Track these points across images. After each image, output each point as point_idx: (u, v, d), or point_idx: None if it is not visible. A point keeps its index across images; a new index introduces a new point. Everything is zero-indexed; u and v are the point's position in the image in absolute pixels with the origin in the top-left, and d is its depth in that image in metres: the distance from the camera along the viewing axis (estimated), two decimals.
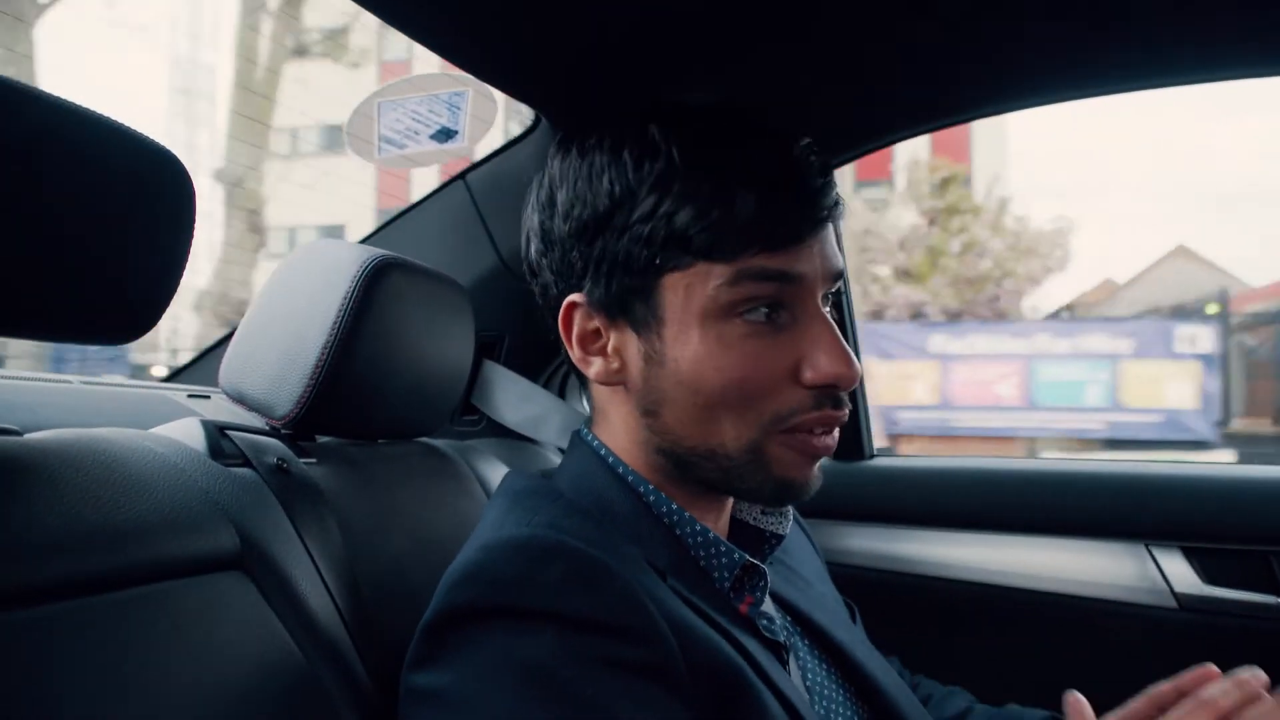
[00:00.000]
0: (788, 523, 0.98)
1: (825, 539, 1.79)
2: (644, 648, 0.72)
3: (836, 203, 0.87)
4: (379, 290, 1.03)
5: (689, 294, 0.83)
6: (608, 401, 0.93)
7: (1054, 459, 1.78)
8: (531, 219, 0.94)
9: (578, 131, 0.92)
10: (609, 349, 0.89)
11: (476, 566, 0.76)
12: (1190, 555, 1.58)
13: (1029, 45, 1.27)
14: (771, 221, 0.82)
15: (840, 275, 0.89)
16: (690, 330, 0.84)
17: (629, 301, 0.86)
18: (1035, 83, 1.39)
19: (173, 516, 0.79)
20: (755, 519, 0.98)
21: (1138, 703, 0.92)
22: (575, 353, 0.91)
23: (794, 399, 0.84)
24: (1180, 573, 1.57)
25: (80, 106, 0.68)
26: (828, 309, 0.88)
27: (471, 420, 1.66)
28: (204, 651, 0.75)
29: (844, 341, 0.85)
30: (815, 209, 0.84)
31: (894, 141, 1.56)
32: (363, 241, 1.54)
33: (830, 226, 0.87)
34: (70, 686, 0.64)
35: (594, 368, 0.90)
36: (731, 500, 0.97)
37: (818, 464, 0.88)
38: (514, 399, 1.54)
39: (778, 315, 0.84)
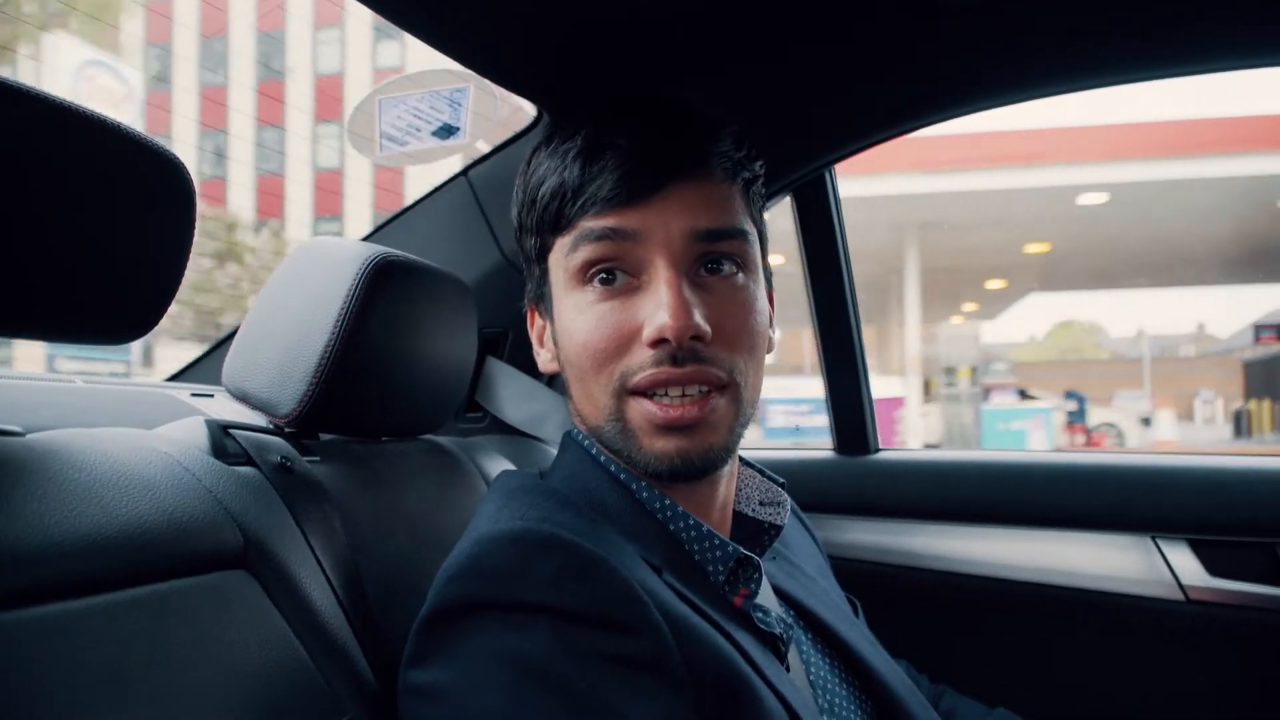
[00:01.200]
0: (785, 513, 0.98)
1: (829, 533, 1.80)
2: (639, 641, 0.72)
3: (687, 166, 0.86)
4: (382, 288, 1.03)
5: (555, 269, 0.89)
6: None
7: (1058, 452, 1.77)
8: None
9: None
10: (545, 339, 0.95)
11: (471, 560, 0.76)
12: (1196, 547, 1.57)
13: (1035, 38, 1.27)
14: (592, 185, 0.86)
15: (711, 234, 0.86)
16: (561, 302, 0.89)
17: (541, 289, 0.92)
18: (1036, 75, 1.39)
19: (177, 516, 0.79)
20: (754, 511, 0.99)
21: None
22: (535, 348, 0.97)
23: (636, 359, 0.84)
24: (1186, 565, 1.57)
25: (83, 109, 0.68)
26: (752, 277, 0.89)
27: (475, 417, 1.66)
28: (208, 650, 0.75)
29: (684, 297, 0.83)
30: (649, 168, 0.85)
31: (891, 137, 1.55)
32: (365, 239, 1.54)
33: (692, 183, 0.86)
34: (76, 686, 0.64)
35: (541, 359, 0.96)
36: (721, 495, 0.96)
37: (685, 437, 0.85)
38: (517, 396, 1.54)
39: (620, 278, 0.86)
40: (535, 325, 0.96)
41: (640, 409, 0.85)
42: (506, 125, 1.47)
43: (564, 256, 0.86)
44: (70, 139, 0.68)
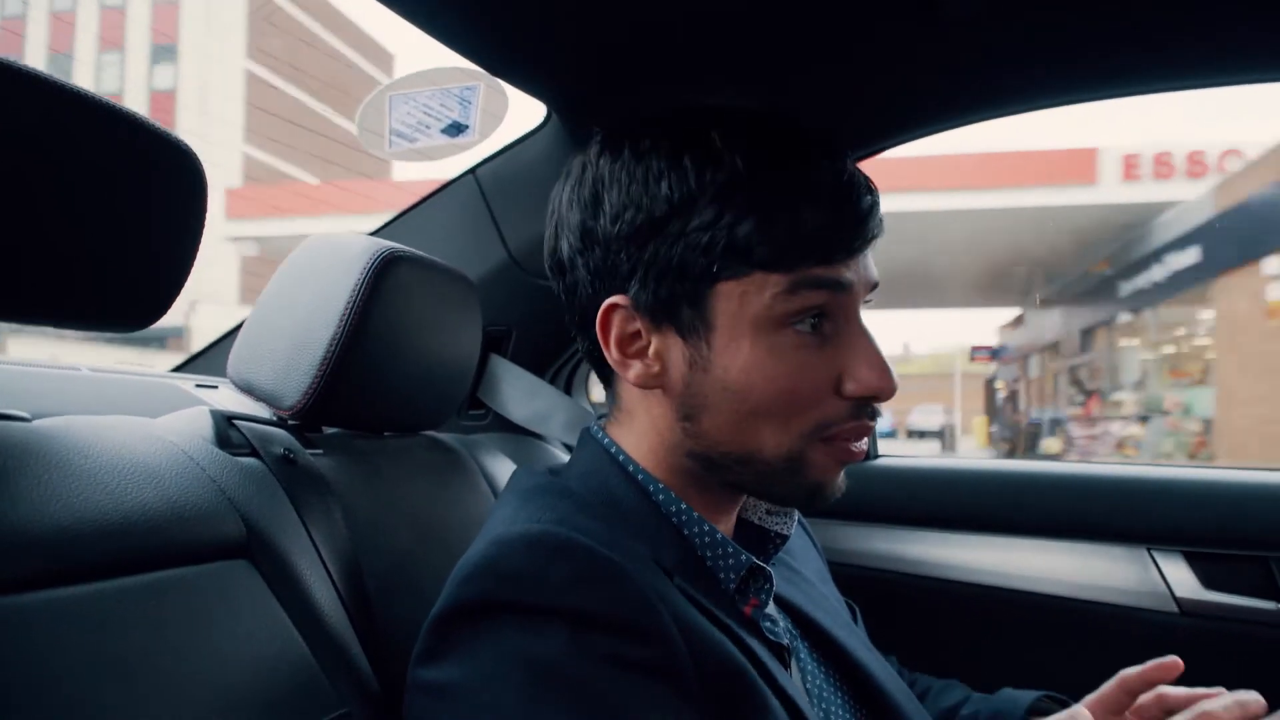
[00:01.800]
0: (792, 523, 0.98)
1: (828, 539, 1.80)
2: (653, 647, 0.72)
3: (882, 219, 0.88)
4: (387, 283, 1.04)
5: (743, 302, 0.83)
6: (639, 403, 0.92)
7: (1058, 463, 1.77)
8: (569, 216, 0.91)
9: (627, 131, 0.90)
10: (650, 352, 0.88)
11: (487, 561, 0.76)
12: (1192, 560, 1.58)
13: (1037, 49, 1.28)
14: (832, 235, 0.83)
15: (877, 286, 0.89)
16: (742, 339, 0.83)
17: (677, 307, 0.85)
18: (1045, 85, 1.39)
19: (180, 504, 0.80)
20: (760, 519, 0.99)
21: (1108, 687, 0.97)
22: (613, 355, 0.89)
23: (834, 409, 0.84)
24: (1181, 577, 1.57)
25: (96, 96, 0.69)
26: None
27: (478, 414, 1.66)
28: (208, 638, 0.75)
29: (883, 353, 0.85)
30: (869, 225, 0.85)
31: (897, 144, 1.56)
32: (372, 234, 1.55)
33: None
34: (77, 671, 0.64)
35: (633, 370, 0.89)
36: (740, 506, 0.97)
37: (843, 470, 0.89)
38: (520, 394, 1.54)
39: (823, 326, 0.84)
40: (622, 330, 0.89)
41: (828, 451, 0.86)
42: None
43: (768, 295, 0.82)
44: (81, 126, 0.68)
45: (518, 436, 1.63)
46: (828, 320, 0.84)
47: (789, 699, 0.79)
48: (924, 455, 2.09)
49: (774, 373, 0.83)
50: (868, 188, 0.86)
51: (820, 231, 0.82)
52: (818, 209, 0.82)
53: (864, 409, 0.85)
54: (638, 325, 0.88)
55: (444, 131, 1.43)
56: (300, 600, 0.86)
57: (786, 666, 0.88)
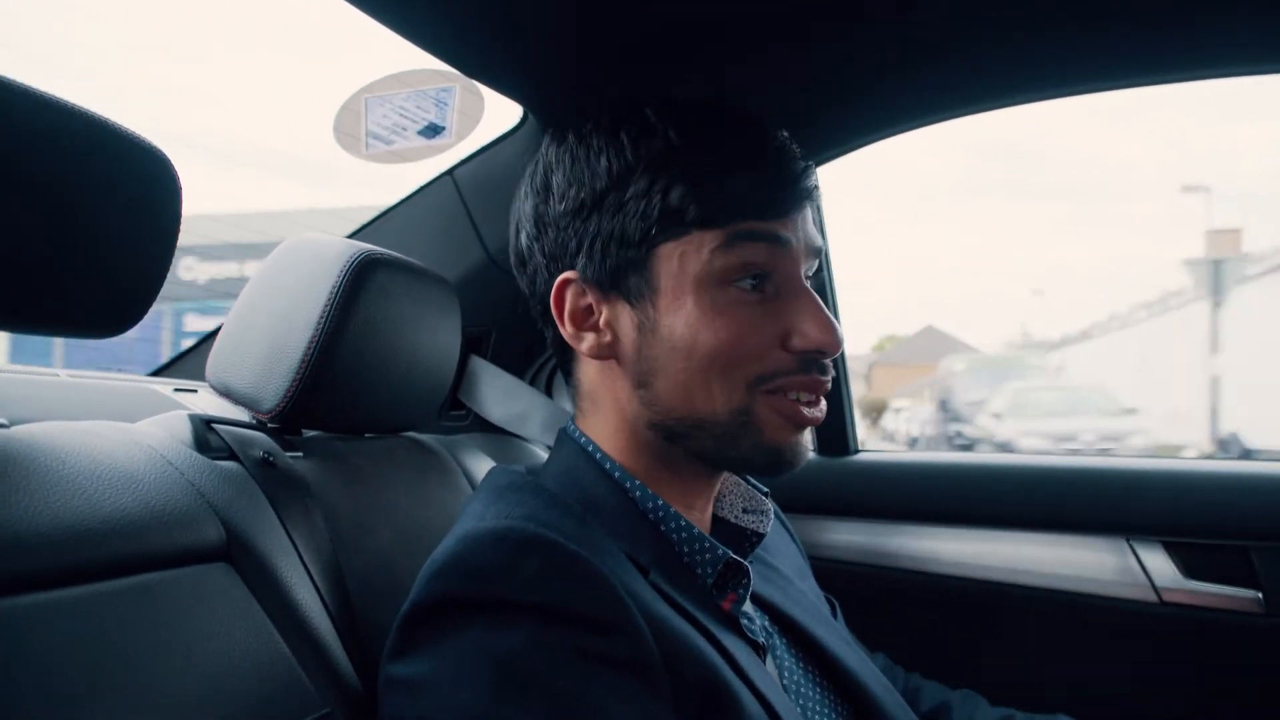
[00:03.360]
0: (768, 521, 0.99)
1: (808, 534, 1.81)
2: (620, 641, 0.73)
3: (816, 185, 0.91)
4: (365, 285, 1.04)
5: (683, 262, 0.86)
6: (597, 382, 0.95)
7: (1037, 455, 1.78)
8: (524, 206, 0.96)
9: (571, 121, 0.94)
10: (601, 323, 0.91)
11: (455, 557, 0.76)
12: (1171, 550, 1.59)
13: (1019, 42, 1.29)
14: (762, 192, 0.87)
15: (820, 252, 0.92)
16: (684, 297, 0.86)
17: (623, 274, 0.89)
18: (1029, 79, 1.40)
19: (158, 509, 0.80)
20: (737, 518, 0.99)
21: None
22: (567, 329, 0.92)
23: (779, 361, 0.87)
24: (1161, 567, 1.59)
25: (67, 102, 0.69)
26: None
27: (458, 415, 1.66)
28: (189, 643, 0.75)
29: (828, 312, 0.88)
30: (799, 187, 0.88)
31: (882, 138, 1.56)
32: (349, 237, 1.54)
33: (809, 208, 0.91)
34: (55, 677, 0.64)
35: (585, 343, 0.92)
36: (714, 493, 0.98)
37: (804, 434, 0.90)
38: (499, 395, 1.54)
39: (766, 285, 0.87)
40: (575, 305, 0.92)
41: (775, 405, 0.87)
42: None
43: (706, 251, 0.85)
44: (56, 133, 0.68)
45: (499, 436, 1.63)
46: (770, 281, 0.87)
47: (762, 695, 0.80)
48: (903, 450, 2.11)
49: (717, 326, 0.85)
50: (798, 155, 0.91)
51: (751, 189, 0.86)
52: (747, 170, 0.87)
53: (811, 363, 0.87)
54: (589, 299, 0.92)
55: (420, 133, 1.44)
56: (281, 602, 0.86)
57: (764, 663, 0.88)
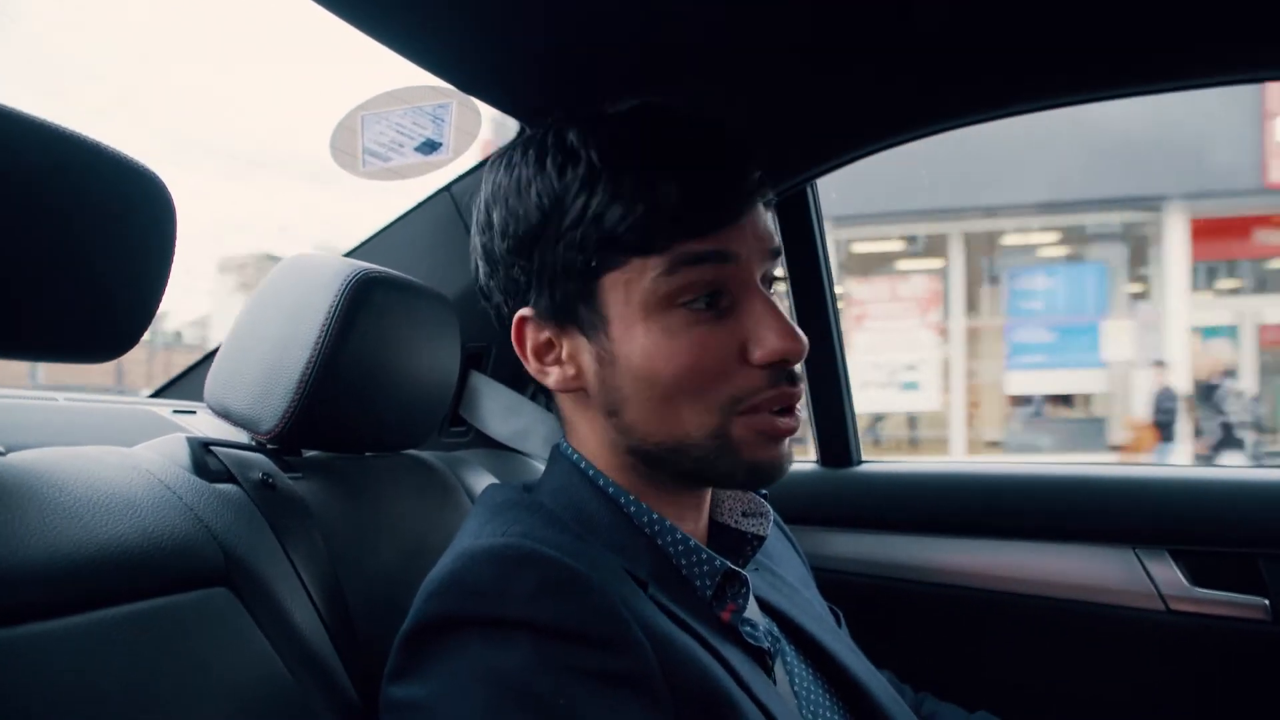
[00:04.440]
0: (768, 524, 0.98)
1: (811, 545, 1.80)
2: (619, 657, 0.72)
3: (761, 182, 0.88)
4: (363, 304, 1.03)
5: (629, 290, 0.84)
6: (573, 410, 0.94)
7: (1041, 464, 1.77)
8: (475, 242, 0.95)
9: (504, 151, 0.93)
10: (563, 356, 0.90)
11: (451, 576, 0.76)
12: (1178, 558, 1.58)
13: (1012, 53, 1.29)
14: (696, 206, 0.83)
15: (778, 253, 0.90)
16: (635, 326, 0.85)
17: (573, 307, 0.87)
18: (1014, 90, 1.40)
19: (157, 535, 0.79)
20: (736, 522, 0.99)
21: None
22: (532, 365, 0.92)
23: (748, 380, 0.85)
24: (1167, 576, 1.58)
25: (60, 126, 0.69)
26: (770, 290, 0.89)
27: (459, 432, 1.66)
28: (190, 668, 0.74)
29: (786, 316, 0.86)
30: (738, 189, 0.86)
31: (872, 153, 1.56)
32: (347, 255, 1.54)
33: (759, 205, 0.88)
34: (57, 705, 0.64)
35: (552, 377, 0.91)
36: (709, 501, 0.97)
37: (784, 444, 0.88)
38: (501, 411, 1.54)
39: (718, 300, 0.85)
40: (536, 340, 0.91)
41: (751, 424, 0.85)
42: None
43: (649, 279, 0.83)
44: (49, 157, 0.68)
45: (500, 453, 1.62)
46: (724, 295, 0.85)
47: (764, 707, 0.79)
48: (907, 459, 2.11)
49: (672, 352, 0.84)
50: (736, 154, 0.87)
51: (685, 206, 0.83)
52: (673, 183, 0.83)
53: (780, 376, 0.85)
54: (547, 333, 0.90)
55: (418, 149, 1.43)
56: (281, 626, 0.86)
57: (769, 671, 0.87)
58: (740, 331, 0.85)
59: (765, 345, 0.84)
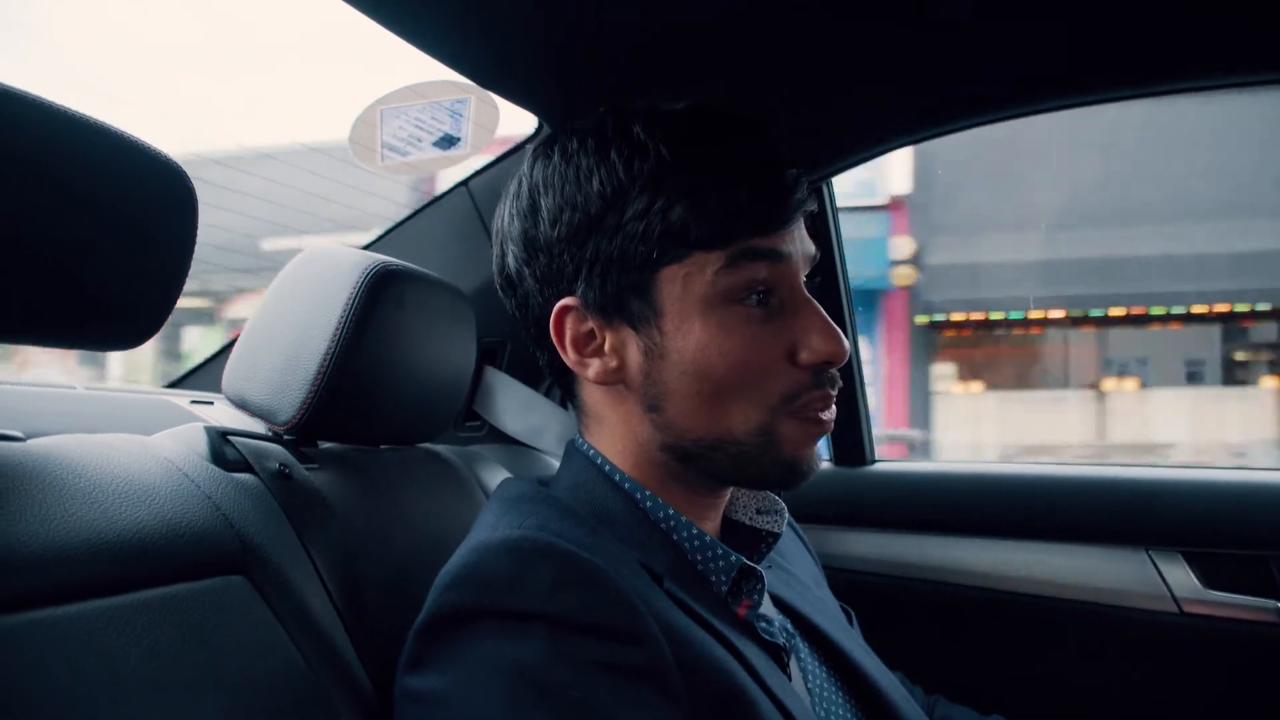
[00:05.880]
0: (783, 521, 0.98)
1: (825, 544, 1.80)
2: (635, 650, 0.73)
3: (809, 192, 0.90)
4: (381, 296, 1.04)
5: (687, 284, 0.85)
6: (603, 404, 0.94)
7: (1055, 464, 1.76)
8: (510, 228, 0.94)
9: (555, 139, 0.93)
10: (605, 348, 0.90)
11: (468, 568, 0.76)
12: (1191, 560, 1.58)
13: (1030, 51, 1.28)
14: (762, 207, 0.85)
15: (816, 259, 0.92)
16: (692, 320, 0.85)
17: (624, 299, 0.87)
18: (1024, 91, 1.40)
19: (175, 522, 0.80)
20: (750, 519, 0.99)
21: None
22: (570, 356, 0.91)
23: (796, 379, 0.86)
24: (1181, 578, 1.57)
25: (86, 116, 0.69)
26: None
27: (474, 426, 1.66)
28: (206, 655, 0.75)
29: (830, 320, 0.88)
30: (795, 195, 0.87)
31: (888, 150, 1.56)
32: (365, 247, 1.55)
33: (802, 217, 0.90)
34: (74, 690, 0.64)
35: (592, 369, 0.90)
36: (725, 503, 0.97)
37: (818, 444, 0.91)
38: (515, 406, 1.54)
39: (770, 299, 0.86)
40: (577, 331, 0.90)
41: (797, 424, 0.87)
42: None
43: (710, 272, 0.84)
44: (73, 146, 0.69)
45: (514, 448, 1.62)
46: (773, 294, 0.87)
47: (780, 701, 0.79)
48: (920, 460, 2.10)
49: (727, 348, 0.85)
50: (790, 163, 0.89)
51: (750, 205, 0.84)
52: (744, 184, 0.85)
53: (824, 377, 0.87)
54: (590, 324, 0.90)
55: (436, 144, 1.44)
56: (297, 615, 0.86)
57: (784, 667, 0.88)
58: (788, 332, 0.86)
59: (813, 348, 0.86)
